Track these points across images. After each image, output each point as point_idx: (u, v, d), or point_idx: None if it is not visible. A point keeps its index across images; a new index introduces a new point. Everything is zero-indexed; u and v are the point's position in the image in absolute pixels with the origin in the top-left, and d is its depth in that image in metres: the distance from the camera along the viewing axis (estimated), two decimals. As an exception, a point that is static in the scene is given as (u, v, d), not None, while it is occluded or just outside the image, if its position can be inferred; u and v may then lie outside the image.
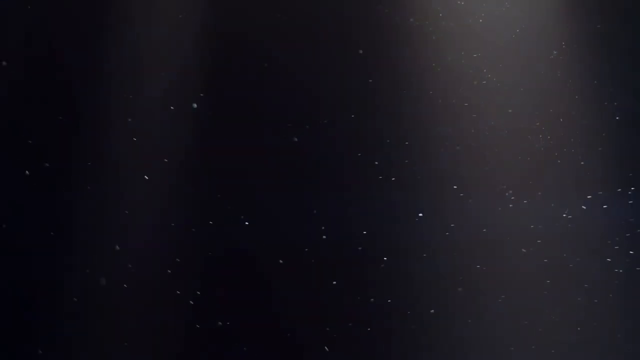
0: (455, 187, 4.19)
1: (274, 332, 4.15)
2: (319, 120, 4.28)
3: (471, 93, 4.25)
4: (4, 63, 4.27)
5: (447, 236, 4.17)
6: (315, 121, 4.28)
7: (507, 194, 4.18)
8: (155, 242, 4.19)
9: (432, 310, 4.11)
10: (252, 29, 4.33)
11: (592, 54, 4.28)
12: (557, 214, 4.18)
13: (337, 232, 4.21)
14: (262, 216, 4.23)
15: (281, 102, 4.28)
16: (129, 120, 4.27)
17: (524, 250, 4.15)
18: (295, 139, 4.16)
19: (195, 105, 4.10)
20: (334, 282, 4.16)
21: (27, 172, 4.26)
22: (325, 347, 4.13)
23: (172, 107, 4.27)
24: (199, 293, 4.15)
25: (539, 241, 4.15)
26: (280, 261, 4.17)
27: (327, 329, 4.12)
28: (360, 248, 4.18)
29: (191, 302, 4.15)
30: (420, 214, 4.18)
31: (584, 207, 4.15)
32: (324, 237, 4.20)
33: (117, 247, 4.18)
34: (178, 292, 4.14)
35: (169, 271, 4.16)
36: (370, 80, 4.26)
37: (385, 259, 4.16)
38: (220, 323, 4.12)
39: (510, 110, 4.25)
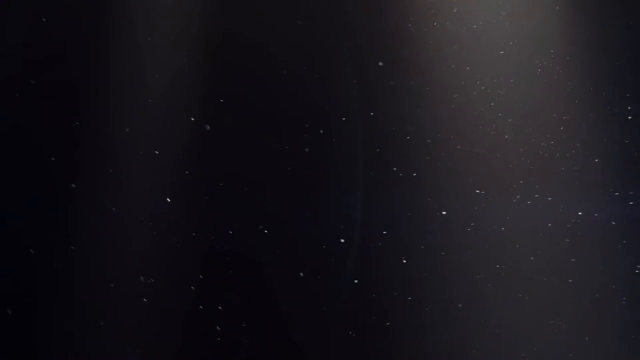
0: (474, 186, 4.20)
1: (294, 332, 4.16)
2: (334, 118, 4.28)
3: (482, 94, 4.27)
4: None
5: (466, 235, 4.17)
6: (329, 120, 4.28)
7: (524, 194, 4.19)
8: (166, 249, 4.21)
9: (460, 305, 4.11)
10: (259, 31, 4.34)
11: (592, 55, 4.28)
12: (572, 214, 4.19)
13: (357, 231, 4.21)
14: (279, 216, 4.24)
15: (293, 103, 4.29)
16: (129, 120, 4.28)
17: (540, 249, 4.16)
18: (307, 150, 4.17)
19: (208, 127, 4.12)
20: (356, 281, 4.17)
21: (27, 172, 4.27)
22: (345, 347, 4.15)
23: (172, 107, 4.27)
24: (212, 294, 4.16)
25: (556, 240, 4.17)
26: (299, 261, 4.18)
27: (349, 326, 4.13)
28: (380, 245, 4.19)
29: (201, 306, 4.17)
30: (444, 212, 4.19)
31: (596, 208, 4.17)
32: (343, 236, 4.21)
33: (118, 247, 4.20)
34: (187, 295, 4.16)
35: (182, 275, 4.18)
36: (392, 83, 4.26)
37: (404, 259, 4.17)
38: (243, 324, 4.14)
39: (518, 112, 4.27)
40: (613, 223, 4.17)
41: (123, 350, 4.14)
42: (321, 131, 4.27)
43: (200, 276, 4.17)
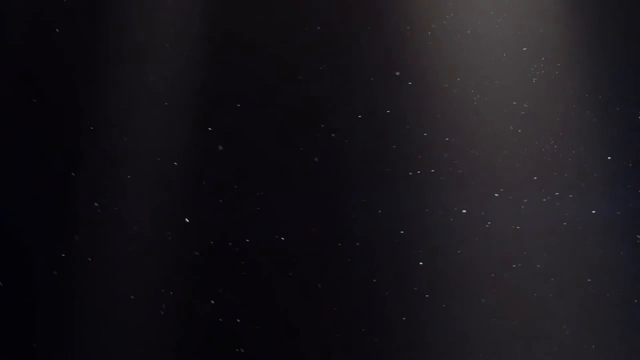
0: (498, 185, 4.20)
1: (310, 333, 4.17)
2: (346, 117, 4.28)
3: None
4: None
5: (484, 234, 4.18)
6: (343, 119, 4.28)
7: (540, 192, 4.20)
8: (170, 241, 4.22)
9: (483, 302, 4.12)
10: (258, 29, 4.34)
11: (592, 56, 4.28)
12: (589, 211, 4.19)
13: (375, 229, 4.22)
14: (293, 218, 4.24)
15: (309, 103, 4.29)
16: (129, 120, 4.28)
17: (558, 248, 4.17)
18: (316, 159, 4.18)
19: (221, 148, 4.13)
20: (374, 280, 4.18)
21: (26, 172, 4.27)
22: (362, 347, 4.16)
23: (172, 108, 4.27)
24: (224, 293, 4.17)
25: (573, 238, 4.17)
26: (314, 261, 4.19)
27: (368, 326, 4.14)
28: (397, 242, 4.19)
29: (212, 301, 4.17)
30: (464, 211, 4.19)
31: (614, 205, 4.18)
32: (360, 235, 4.21)
33: (118, 248, 4.20)
34: (195, 294, 4.17)
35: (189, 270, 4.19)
36: (397, 73, 4.26)
37: (421, 251, 4.17)
38: (257, 327, 4.15)
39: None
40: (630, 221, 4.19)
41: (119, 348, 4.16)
42: (333, 133, 4.27)
43: (220, 290, 4.19)
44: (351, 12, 4.33)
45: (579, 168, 4.23)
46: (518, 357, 4.14)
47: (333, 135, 4.26)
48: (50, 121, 4.29)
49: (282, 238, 4.21)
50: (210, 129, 4.23)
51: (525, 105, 4.23)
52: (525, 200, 4.21)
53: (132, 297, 4.17)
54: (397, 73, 4.25)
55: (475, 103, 4.25)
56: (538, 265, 4.17)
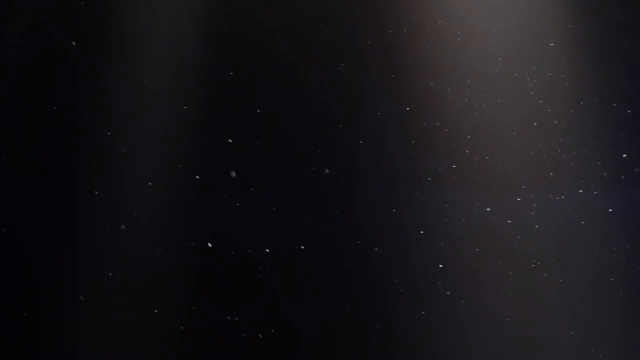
0: (520, 184, 4.21)
1: (334, 330, 4.18)
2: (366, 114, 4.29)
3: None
4: None
5: (504, 232, 4.18)
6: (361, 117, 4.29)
7: (562, 190, 4.21)
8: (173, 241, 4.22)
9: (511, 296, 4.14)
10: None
11: (593, 55, 4.30)
12: (605, 209, 4.21)
13: (393, 229, 4.23)
14: (315, 215, 4.25)
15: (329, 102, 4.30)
16: (130, 120, 4.28)
17: (581, 245, 4.17)
18: (327, 170, 4.19)
19: (233, 174, 4.13)
20: (396, 280, 4.18)
21: (28, 171, 4.27)
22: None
23: (173, 108, 4.28)
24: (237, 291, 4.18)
25: (590, 236, 4.18)
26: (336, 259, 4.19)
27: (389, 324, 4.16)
28: (417, 241, 4.20)
29: (236, 318, 4.18)
30: (488, 209, 4.19)
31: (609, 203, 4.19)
32: (381, 233, 4.23)
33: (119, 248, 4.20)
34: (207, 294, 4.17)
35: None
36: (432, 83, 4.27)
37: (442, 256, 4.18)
38: (272, 331, 4.15)
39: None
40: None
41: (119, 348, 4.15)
42: (348, 132, 4.28)
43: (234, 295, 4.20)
44: (353, 13, 4.35)
45: (599, 167, 4.24)
46: (546, 349, 4.13)
47: (346, 134, 4.28)
48: (51, 121, 4.29)
49: (300, 239, 4.22)
50: (230, 140, 4.24)
51: (548, 104, 4.23)
52: (546, 200, 4.21)
53: (133, 297, 4.16)
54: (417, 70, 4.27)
55: (498, 101, 4.27)
56: (561, 263, 4.17)
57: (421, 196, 4.25)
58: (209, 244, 4.23)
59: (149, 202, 4.25)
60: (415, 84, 4.28)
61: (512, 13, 4.32)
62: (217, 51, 4.33)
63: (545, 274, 4.18)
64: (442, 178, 4.25)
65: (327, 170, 4.23)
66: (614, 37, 4.32)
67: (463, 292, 4.15)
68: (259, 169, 4.28)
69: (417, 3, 4.34)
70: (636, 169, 4.23)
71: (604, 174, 4.23)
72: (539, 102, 4.28)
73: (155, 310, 4.15)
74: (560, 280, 4.17)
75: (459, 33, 4.33)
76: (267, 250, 4.22)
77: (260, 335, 4.17)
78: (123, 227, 4.18)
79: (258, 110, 4.30)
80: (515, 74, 4.31)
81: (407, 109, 4.28)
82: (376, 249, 4.23)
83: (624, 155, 4.21)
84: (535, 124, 4.26)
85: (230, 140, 4.13)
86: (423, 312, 4.15)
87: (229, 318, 4.18)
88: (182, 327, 4.18)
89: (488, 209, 4.20)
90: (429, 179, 4.25)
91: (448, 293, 4.16)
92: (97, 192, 4.25)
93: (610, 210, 4.22)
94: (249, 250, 4.23)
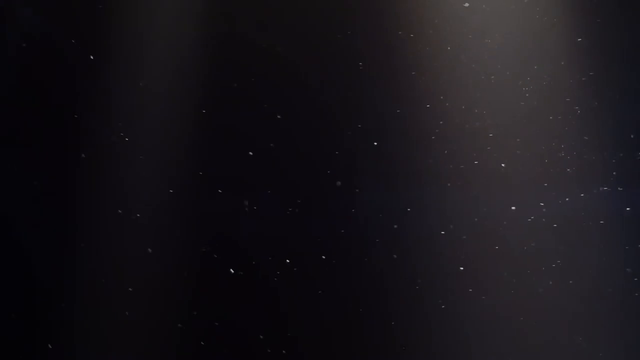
0: (521, 184, 4.21)
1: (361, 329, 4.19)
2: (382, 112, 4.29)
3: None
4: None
5: (504, 233, 4.18)
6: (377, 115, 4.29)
7: (588, 187, 4.20)
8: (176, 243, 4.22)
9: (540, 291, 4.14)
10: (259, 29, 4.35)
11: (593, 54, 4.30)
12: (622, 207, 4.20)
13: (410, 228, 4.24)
14: (331, 212, 4.25)
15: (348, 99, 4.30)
16: (130, 120, 4.28)
17: (603, 244, 4.17)
18: (339, 183, 4.19)
19: (246, 203, 4.14)
20: (417, 287, 4.18)
21: (28, 171, 4.27)
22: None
23: (173, 108, 4.28)
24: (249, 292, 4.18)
25: (593, 237, 4.18)
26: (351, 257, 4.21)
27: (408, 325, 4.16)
28: (417, 241, 4.21)
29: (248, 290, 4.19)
30: (513, 207, 4.19)
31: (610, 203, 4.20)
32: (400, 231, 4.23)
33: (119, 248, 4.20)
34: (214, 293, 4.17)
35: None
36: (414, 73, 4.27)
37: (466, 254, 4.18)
38: (272, 331, 4.16)
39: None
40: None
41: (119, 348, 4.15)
42: (362, 131, 4.28)
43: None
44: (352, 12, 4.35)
45: (599, 167, 4.23)
46: (569, 347, 4.14)
47: (346, 134, 4.28)
48: (51, 121, 4.29)
49: (300, 239, 4.22)
50: (247, 203, 4.25)
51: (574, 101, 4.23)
52: (566, 199, 4.21)
53: (132, 297, 4.16)
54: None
55: (498, 101, 4.26)
56: (562, 263, 4.16)
57: (421, 196, 4.25)
58: (209, 244, 4.23)
59: (149, 202, 4.25)
60: (415, 84, 4.27)
61: (512, 13, 4.31)
62: (217, 51, 4.33)
63: (546, 275, 4.18)
64: (442, 178, 4.25)
65: (339, 183, 4.24)
66: (614, 37, 4.32)
67: (463, 292, 4.15)
68: (259, 169, 4.28)
69: (417, 3, 4.33)
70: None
71: (606, 174, 4.22)
72: (540, 102, 4.28)
73: (155, 310, 4.15)
74: (562, 281, 4.17)
75: (459, 33, 4.33)
76: (267, 250, 4.22)
77: (261, 336, 4.17)
78: (128, 224, 4.19)
79: (258, 111, 4.30)
80: (516, 74, 4.31)
81: (407, 109, 4.28)
82: (376, 249, 4.23)
83: (621, 155, 4.21)
84: (535, 124, 4.26)
85: (250, 153, 4.15)
86: (423, 312, 4.15)
87: (229, 318, 4.18)
88: (181, 327, 4.18)
89: (489, 210, 4.20)
90: (429, 179, 4.25)
91: (448, 293, 4.16)
92: (96, 192, 4.25)
93: (612, 210, 4.22)
94: (249, 251, 4.24)
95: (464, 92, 4.28)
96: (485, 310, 4.15)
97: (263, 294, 4.21)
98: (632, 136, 4.24)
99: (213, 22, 4.34)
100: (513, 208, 4.22)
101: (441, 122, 4.27)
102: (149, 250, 4.20)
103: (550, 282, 4.17)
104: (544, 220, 4.21)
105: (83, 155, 4.27)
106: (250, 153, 4.27)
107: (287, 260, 4.20)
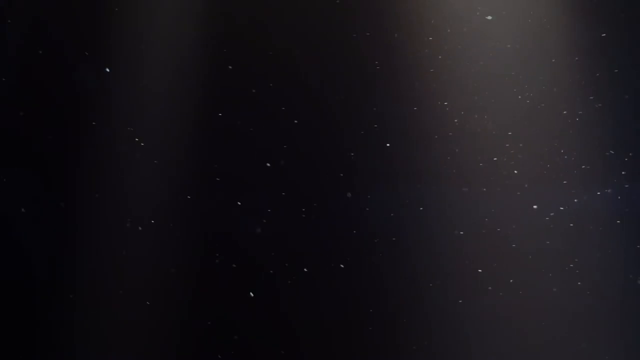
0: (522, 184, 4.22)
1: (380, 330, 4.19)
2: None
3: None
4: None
5: (505, 233, 4.19)
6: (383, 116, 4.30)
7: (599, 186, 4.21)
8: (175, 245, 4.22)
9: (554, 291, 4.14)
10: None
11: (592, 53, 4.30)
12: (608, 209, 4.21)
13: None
14: (341, 212, 4.25)
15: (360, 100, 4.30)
16: (130, 120, 4.28)
17: (579, 247, 4.18)
18: (349, 194, 4.19)
19: (259, 230, 4.15)
20: (431, 285, 4.17)
21: (28, 171, 4.27)
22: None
23: (173, 108, 4.28)
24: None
25: (594, 237, 4.19)
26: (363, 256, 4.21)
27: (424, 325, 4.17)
28: (417, 241, 4.21)
29: (252, 293, 4.18)
30: (535, 206, 4.19)
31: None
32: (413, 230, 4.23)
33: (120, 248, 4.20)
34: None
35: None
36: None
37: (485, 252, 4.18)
38: (272, 331, 4.17)
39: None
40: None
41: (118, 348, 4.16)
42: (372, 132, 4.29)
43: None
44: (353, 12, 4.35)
45: (600, 167, 4.23)
46: (586, 344, 4.14)
47: (346, 134, 4.28)
48: (51, 121, 4.29)
49: (300, 239, 4.22)
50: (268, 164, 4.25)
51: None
52: (584, 197, 4.21)
53: (133, 297, 4.17)
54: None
55: (499, 101, 4.26)
56: (562, 263, 4.16)
57: (421, 196, 4.25)
58: (209, 244, 4.23)
59: (148, 202, 4.25)
60: (415, 84, 4.27)
61: (512, 13, 4.31)
62: (217, 51, 4.33)
63: (547, 275, 4.18)
64: (442, 178, 4.25)
65: (349, 195, 4.24)
66: (614, 37, 4.32)
67: (464, 292, 4.15)
68: (259, 168, 4.28)
69: (417, 3, 4.33)
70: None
71: (607, 175, 4.23)
72: (540, 102, 4.28)
73: (155, 310, 4.15)
74: (562, 281, 4.17)
75: (459, 33, 4.33)
76: (267, 250, 4.22)
77: (260, 336, 4.17)
78: (128, 224, 4.19)
79: (258, 110, 4.30)
80: (516, 74, 4.31)
81: (407, 109, 4.28)
82: (376, 249, 4.23)
83: (623, 155, 4.22)
84: (536, 124, 4.26)
85: (268, 164, 4.16)
86: (423, 312, 4.15)
87: (229, 318, 4.18)
88: (182, 327, 4.18)
89: (489, 209, 4.20)
90: (429, 179, 4.25)
91: (448, 293, 4.16)
92: (96, 192, 4.25)
93: (614, 210, 4.22)
94: (249, 250, 4.24)
95: (464, 92, 4.28)
96: (485, 310, 4.15)
97: (263, 294, 4.21)
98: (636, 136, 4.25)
99: (213, 22, 4.34)
100: (513, 208, 4.22)
101: (441, 122, 4.26)
102: (149, 250, 4.20)
103: (550, 282, 4.17)
104: (544, 220, 4.22)
105: (83, 155, 4.27)
106: (250, 153, 4.28)
107: (287, 260, 4.20)
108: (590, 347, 4.13)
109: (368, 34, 4.32)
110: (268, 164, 4.27)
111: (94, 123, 4.28)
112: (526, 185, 4.23)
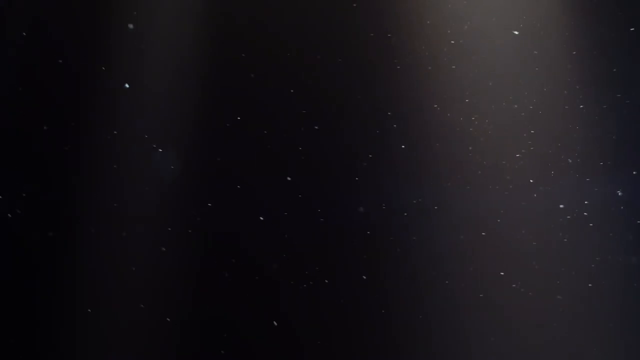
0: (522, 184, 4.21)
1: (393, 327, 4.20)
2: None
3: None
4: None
5: (505, 233, 4.19)
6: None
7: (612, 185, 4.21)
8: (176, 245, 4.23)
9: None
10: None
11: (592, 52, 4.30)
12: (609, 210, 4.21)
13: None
14: (347, 207, 4.26)
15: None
16: (130, 120, 4.28)
17: (580, 247, 4.18)
18: (361, 209, 4.20)
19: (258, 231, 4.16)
20: (447, 282, 4.17)
21: (28, 171, 4.27)
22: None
23: (173, 108, 4.28)
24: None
25: (595, 237, 4.19)
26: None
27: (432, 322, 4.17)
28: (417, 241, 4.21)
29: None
30: (535, 206, 4.19)
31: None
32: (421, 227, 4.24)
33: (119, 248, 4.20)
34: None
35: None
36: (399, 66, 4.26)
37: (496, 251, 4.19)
38: (272, 331, 4.16)
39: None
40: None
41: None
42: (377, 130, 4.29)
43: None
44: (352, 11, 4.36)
45: (601, 168, 4.23)
46: (586, 344, 4.14)
47: (346, 134, 4.28)
48: (51, 121, 4.29)
49: (300, 239, 4.23)
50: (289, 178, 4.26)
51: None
52: (585, 197, 4.20)
53: (133, 297, 4.17)
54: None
55: (498, 101, 4.27)
56: (562, 263, 4.16)
57: (421, 196, 4.25)
58: (209, 244, 4.24)
59: (149, 202, 4.25)
60: (415, 84, 4.27)
61: (512, 13, 4.32)
62: (217, 51, 4.33)
63: (547, 274, 4.18)
64: (443, 178, 4.25)
65: (361, 209, 4.25)
66: (614, 37, 4.32)
67: (464, 292, 4.15)
68: (259, 168, 4.28)
69: (417, 3, 4.33)
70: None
71: (608, 174, 4.23)
72: (540, 102, 4.28)
73: (155, 310, 4.15)
74: (561, 281, 4.17)
75: (459, 33, 4.33)
76: (267, 250, 4.22)
77: (261, 336, 4.17)
78: (128, 224, 4.19)
79: (258, 110, 4.31)
80: (516, 74, 4.31)
81: (407, 109, 4.28)
82: (376, 249, 4.23)
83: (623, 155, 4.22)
84: (536, 124, 4.26)
85: (289, 178, 4.17)
86: (423, 312, 4.15)
87: (229, 318, 4.19)
88: (181, 327, 4.18)
89: (489, 209, 4.20)
90: (429, 178, 4.25)
91: (448, 293, 4.16)
92: (96, 192, 4.25)
93: (614, 210, 4.22)
94: (249, 250, 4.24)
95: (464, 92, 4.28)
96: (485, 310, 4.15)
97: (263, 294, 4.21)
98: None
99: (213, 22, 4.34)
100: (514, 208, 4.23)
101: (442, 122, 4.27)
102: (149, 250, 4.20)
103: (550, 282, 4.17)
104: (544, 220, 4.22)
105: (83, 155, 4.27)
106: (250, 153, 4.28)
107: (287, 260, 4.20)
108: (590, 347, 4.13)
109: (368, 34, 4.32)
110: (268, 164, 4.28)
111: (93, 123, 4.28)
112: (526, 186, 4.23)
